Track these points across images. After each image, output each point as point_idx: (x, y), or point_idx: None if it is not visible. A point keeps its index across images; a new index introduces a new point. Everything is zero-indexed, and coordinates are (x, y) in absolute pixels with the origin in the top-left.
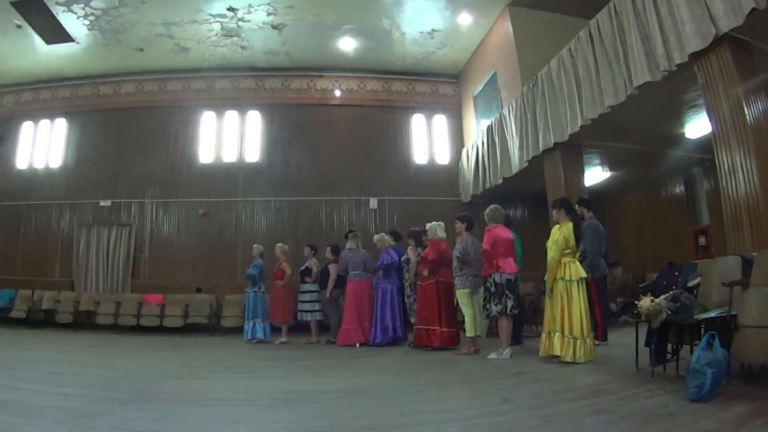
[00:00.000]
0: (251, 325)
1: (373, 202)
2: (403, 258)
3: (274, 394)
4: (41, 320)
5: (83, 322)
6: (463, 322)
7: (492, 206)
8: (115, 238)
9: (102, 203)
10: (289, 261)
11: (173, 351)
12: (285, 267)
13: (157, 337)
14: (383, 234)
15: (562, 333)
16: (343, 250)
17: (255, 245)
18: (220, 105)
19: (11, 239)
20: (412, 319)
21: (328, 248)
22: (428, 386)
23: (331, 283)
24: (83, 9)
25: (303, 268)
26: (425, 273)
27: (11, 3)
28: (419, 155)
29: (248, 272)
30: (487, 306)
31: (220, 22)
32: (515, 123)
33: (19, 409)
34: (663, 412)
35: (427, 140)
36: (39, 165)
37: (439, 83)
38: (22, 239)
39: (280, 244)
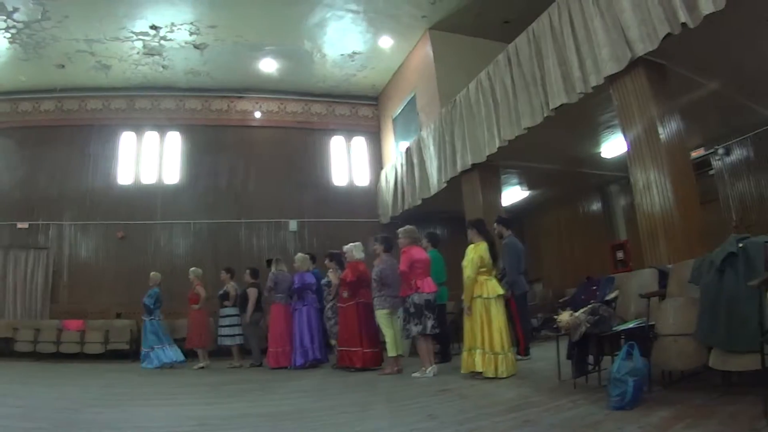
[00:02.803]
0: (146, 353)
1: (293, 224)
2: (323, 280)
3: (196, 419)
4: None
5: (1, 350)
6: (385, 342)
7: (406, 227)
8: (33, 261)
9: (19, 225)
10: (202, 285)
11: (94, 378)
12: (199, 291)
13: (77, 364)
14: (304, 255)
15: (483, 349)
16: (271, 272)
17: (152, 273)
18: (140, 125)
19: None
20: (333, 342)
21: (248, 271)
22: (352, 407)
23: (251, 307)
24: (5, 21)
25: (221, 292)
26: (345, 295)
27: None
28: (339, 177)
29: (144, 301)
30: (407, 327)
31: (143, 40)
32: (434, 144)
33: None
34: (588, 421)
35: (347, 162)
36: None
37: (358, 105)
38: None
39: (193, 269)
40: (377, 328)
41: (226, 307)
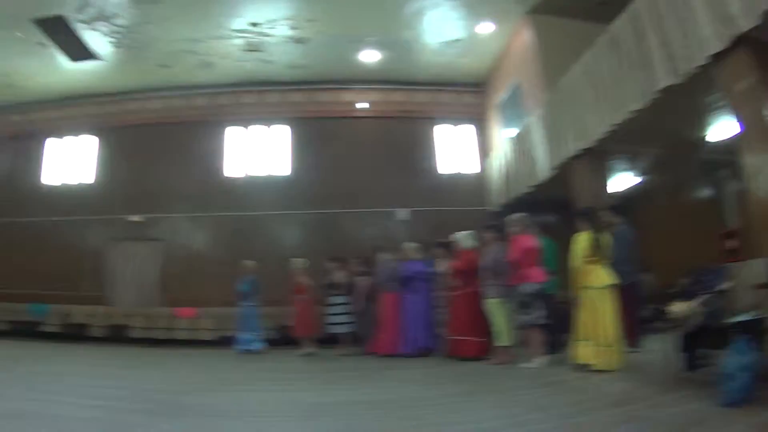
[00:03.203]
0: (245, 337)
1: (401, 213)
2: (432, 269)
3: (306, 405)
4: (74, 334)
5: (116, 336)
6: (494, 332)
7: (516, 215)
8: (146, 253)
9: (132, 218)
10: (307, 274)
11: (205, 364)
12: (305, 280)
13: (189, 351)
14: (411, 244)
15: (593, 341)
16: (382, 261)
17: (247, 261)
18: (246, 119)
19: (41, 254)
20: (442, 331)
21: (357, 260)
22: (459, 397)
23: (360, 296)
24: (107, 26)
25: (329, 281)
26: (455, 283)
27: (33, 21)
28: (445, 165)
29: (239, 288)
30: (516, 316)
31: (244, 37)
32: (540, 131)
33: (52, 422)
34: (695, 418)
35: (453, 150)
36: (67, 181)
37: (462, 93)
38: (53, 254)
39: (297, 259)
40: (487, 318)
41: (334, 296)
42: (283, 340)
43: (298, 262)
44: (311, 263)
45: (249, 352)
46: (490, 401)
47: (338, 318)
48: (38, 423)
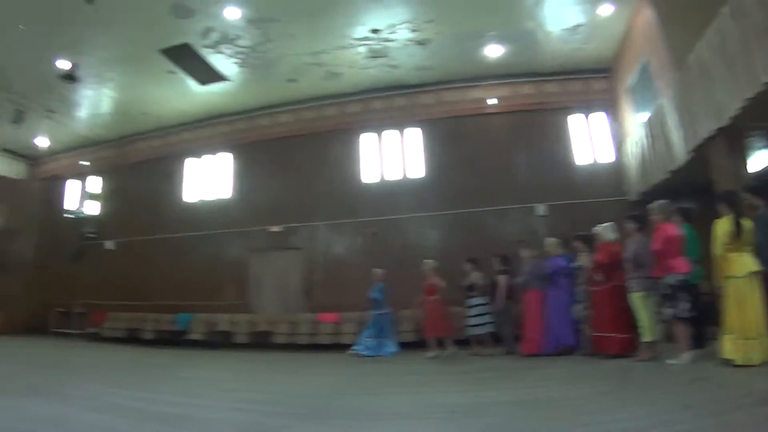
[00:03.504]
0: (371, 343)
1: (540, 209)
2: (574, 264)
3: (448, 407)
4: (218, 342)
5: (259, 343)
6: (640, 327)
7: (659, 202)
8: (288, 261)
9: (273, 229)
10: (438, 275)
11: (347, 367)
12: (437, 281)
13: (331, 355)
14: (553, 239)
15: (739, 334)
16: (525, 259)
17: (375, 269)
18: (377, 125)
19: (185, 268)
20: (584, 327)
21: (497, 259)
22: (604, 396)
23: (501, 294)
24: (231, 49)
25: (467, 283)
26: (599, 278)
27: (160, 51)
28: (580, 156)
29: (371, 296)
30: (661, 310)
31: (366, 44)
32: (673, 112)
33: (199, 424)
34: None
35: (587, 140)
36: (207, 197)
37: (591, 80)
38: (195, 267)
39: (428, 260)
40: (631, 313)
41: (472, 297)
42: (420, 342)
43: (429, 264)
44: (451, 264)
45: (372, 356)
46: (635, 400)
47: (477, 319)
48: (185, 426)
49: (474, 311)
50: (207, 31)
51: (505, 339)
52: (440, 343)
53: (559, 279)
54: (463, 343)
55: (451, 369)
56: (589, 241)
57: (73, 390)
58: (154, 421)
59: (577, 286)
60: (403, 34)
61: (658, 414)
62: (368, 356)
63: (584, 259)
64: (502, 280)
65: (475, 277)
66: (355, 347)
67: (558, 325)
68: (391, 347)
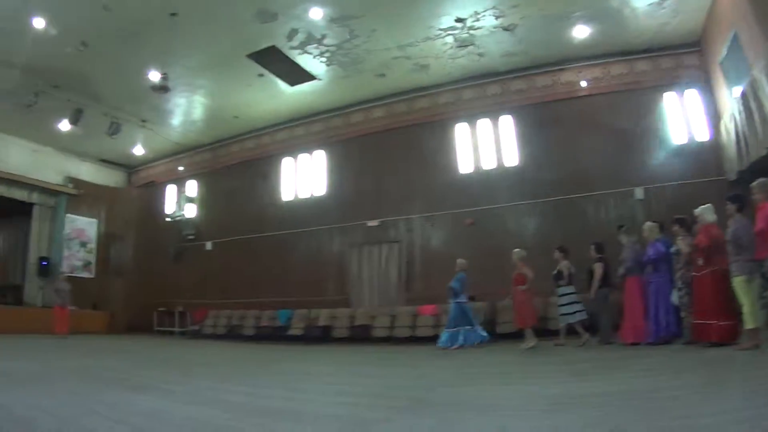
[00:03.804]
0: (454, 333)
1: (639, 192)
2: (672, 249)
3: (549, 398)
4: (317, 336)
5: (359, 336)
6: (743, 313)
7: (761, 180)
8: (386, 254)
9: (370, 223)
10: (527, 265)
11: (448, 359)
12: (526, 272)
13: (431, 347)
14: (653, 223)
15: None
16: (627, 244)
17: (459, 260)
18: (470, 114)
19: (283, 265)
20: (684, 314)
21: (593, 246)
22: (706, 386)
23: (596, 282)
24: (317, 48)
25: (555, 272)
26: (699, 262)
27: (249, 56)
28: (677, 136)
29: (450, 285)
30: (765, 294)
31: (452, 34)
32: (766, 84)
33: (301, 417)
34: None
35: (683, 118)
36: (304, 195)
37: (682, 55)
38: (294, 264)
39: (517, 250)
40: (734, 298)
41: (561, 286)
42: (514, 333)
43: (518, 253)
44: (545, 252)
45: (459, 346)
46: (739, 391)
47: (566, 308)
48: (288, 418)
49: (564, 300)
50: (292, 33)
51: (601, 328)
52: (537, 333)
53: (661, 265)
54: (550, 333)
55: (552, 360)
56: (688, 224)
57: (177, 386)
58: (255, 415)
59: (676, 271)
60: (489, 21)
61: (756, 406)
62: (455, 347)
63: (682, 243)
64: (597, 268)
65: (563, 265)
66: (439, 342)
67: (661, 313)
68: (479, 334)
